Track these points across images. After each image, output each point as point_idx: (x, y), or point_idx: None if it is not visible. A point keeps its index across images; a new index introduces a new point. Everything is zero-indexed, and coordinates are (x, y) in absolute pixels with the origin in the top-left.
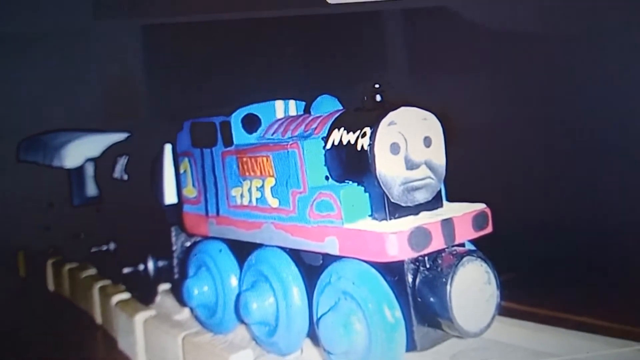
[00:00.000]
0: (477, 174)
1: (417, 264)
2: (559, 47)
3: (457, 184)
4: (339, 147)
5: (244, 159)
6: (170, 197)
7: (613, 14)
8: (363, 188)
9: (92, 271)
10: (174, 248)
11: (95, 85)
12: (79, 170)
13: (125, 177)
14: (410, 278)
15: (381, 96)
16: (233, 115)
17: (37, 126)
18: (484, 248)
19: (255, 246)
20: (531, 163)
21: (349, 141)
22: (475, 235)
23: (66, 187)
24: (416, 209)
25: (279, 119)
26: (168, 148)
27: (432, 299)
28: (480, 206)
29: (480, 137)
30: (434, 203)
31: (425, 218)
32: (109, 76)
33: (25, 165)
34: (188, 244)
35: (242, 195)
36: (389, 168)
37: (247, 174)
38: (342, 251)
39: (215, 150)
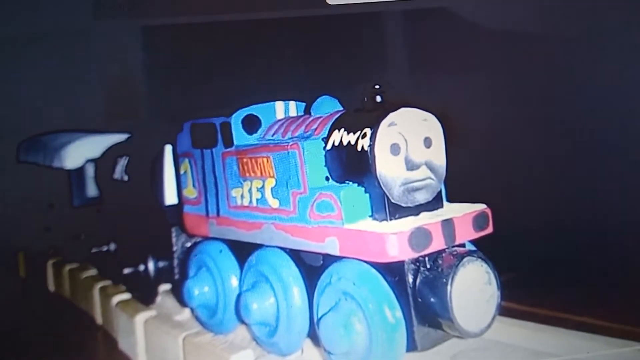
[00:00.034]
0: (478, 175)
1: (418, 264)
2: (559, 47)
3: (458, 185)
4: (339, 147)
5: (244, 160)
6: (170, 197)
7: (613, 13)
8: (363, 189)
9: (92, 272)
10: (175, 248)
11: (96, 85)
12: (79, 171)
13: (126, 177)
14: (410, 278)
15: (381, 97)
16: (233, 116)
17: (37, 127)
18: (484, 248)
19: (256, 247)
20: (531, 163)
21: (349, 142)
22: (476, 235)
23: (66, 187)
24: (416, 210)
25: (279, 120)
26: (168, 149)
27: (432, 300)
28: (481, 206)
29: (481, 137)
30: (435, 203)
31: (425, 218)
32: (109, 77)
33: (25, 166)
34: (188, 244)
35: (242, 196)
36: (389, 169)
37: (247, 174)
38: (343, 252)
39: (216, 151)
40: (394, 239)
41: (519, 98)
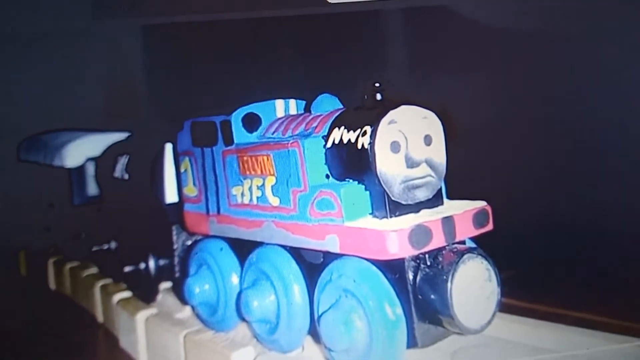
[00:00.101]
0: (478, 172)
1: (418, 261)
2: (559, 47)
3: (458, 182)
4: (340, 145)
5: (245, 158)
6: (171, 196)
7: (613, 13)
8: (364, 186)
9: (93, 270)
10: (175, 247)
11: (96, 84)
12: (80, 170)
13: (126, 176)
14: (411, 275)
15: (381, 95)
16: (233, 114)
17: (37, 126)
18: (484, 245)
19: (256, 244)
20: (531, 161)
21: (349, 140)
22: (476, 232)
23: (67, 186)
24: (417, 207)
25: (280, 118)
26: (169, 147)
27: (432, 296)
28: (481, 204)
29: (481, 135)
30: (435, 201)
31: (425, 216)
32: (109, 76)
33: (26, 165)
34: (189, 242)
35: (242, 194)
36: (389, 166)
37: (247, 172)
38: (343, 249)
39: (216, 149)
40: (394, 237)
41: (519, 96)
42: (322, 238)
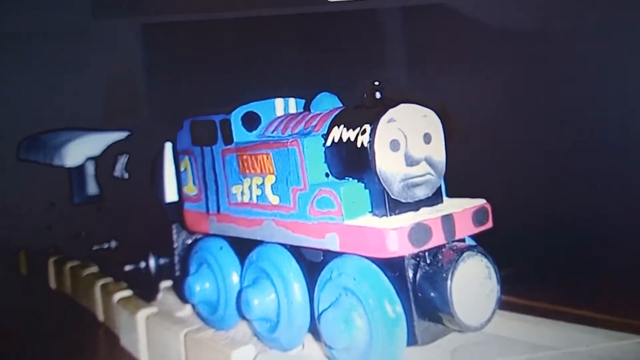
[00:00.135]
0: (477, 170)
1: (418, 259)
2: (558, 45)
3: (457, 180)
4: (339, 144)
5: (244, 157)
6: (171, 195)
7: (614, 12)
8: (363, 185)
9: (93, 269)
10: (175, 245)
11: (96, 84)
12: (80, 169)
13: (126, 175)
14: (410, 273)
15: (381, 93)
16: (233, 113)
17: (37, 125)
18: (484, 243)
19: (256, 243)
20: (531, 158)
21: (348, 138)
22: (476, 230)
23: (67, 185)
24: (416, 205)
25: (279, 117)
26: (168, 146)
27: (432, 294)
28: (481, 202)
29: (481, 133)
30: (434, 199)
31: (425, 214)
32: (109, 75)
33: (26, 164)
34: (189, 241)
35: (242, 193)
36: (388, 165)
37: (247, 171)
38: (343, 247)
39: (216, 148)
40: (394, 235)
41: (519, 94)
42: (322, 236)
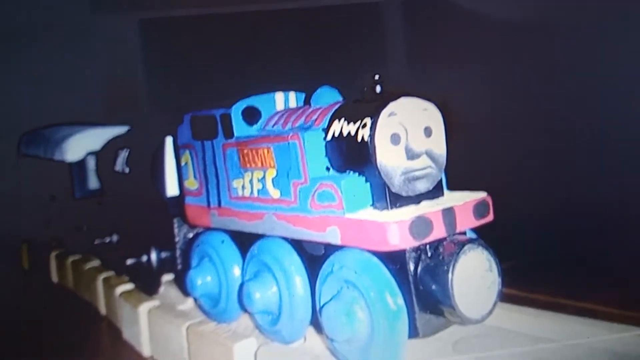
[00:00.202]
0: (478, 163)
1: (419, 252)
2: (559, 39)
3: (458, 173)
4: (340, 138)
5: (245, 151)
6: (172, 189)
7: (615, 8)
8: (364, 178)
9: (95, 263)
10: (177, 239)
11: (96, 79)
12: (81, 164)
13: (127, 170)
14: (412, 266)
15: (381, 87)
16: (233, 107)
17: (37, 120)
18: (485, 236)
19: (258, 237)
20: (532, 151)
21: (349, 132)
22: (477, 223)
23: (68, 179)
24: (417, 199)
25: (279, 111)
26: (169, 141)
27: (434, 287)
28: (482, 195)
29: (481, 126)
30: (435, 192)
31: (426, 207)
32: (109, 70)
33: (27, 159)
34: (190, 235)
35: (243, 187)
36: (389, 158)
37: (248, 165)
38: (344, 241)
39: (216, 142)
40: (395, 228)
41: (519, 87)
42: (323, 230)
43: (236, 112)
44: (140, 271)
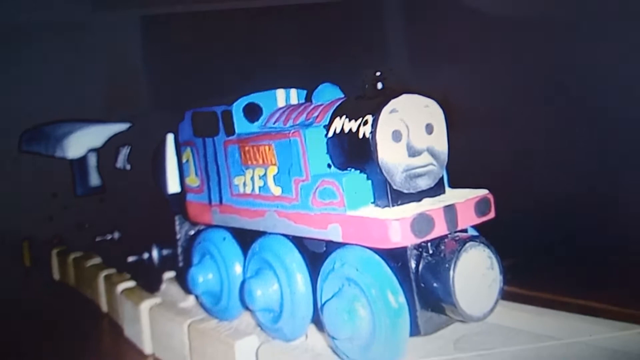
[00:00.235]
0: (480, 160)
1: (420, 250)
2: (559, 37)
3: (460, 170)
4: (341, 135)
5: (246, 148)
6: (173, 186)
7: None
8: (365, 175)
9: (97, 260)
10: (178, 237)
11: (97, 76)
12: (82, 161)
13: (128, 167)
14: (413, 264)
15: (382, 83)
16: (234, 104)
17: (38, 117)
18: (486, 233)
19: (259, 234)
20: (534, 148)
21: (350, 129)
22: (478, 221)
23: (69, 176)
24: (418, 196)
25: (281, 108)
26: (170, 138)
27: (435, 285)
28: (483, 192)
29: (483, 123)
30: (437, 189)
31: (427, 204)
32: (110, 67)
33: (28, 155)
34: (192, 232)
35: (244, 184)
36: (391, 155)
37: (249, 162)
38: (345, 238)
39: (218, 139)
40: (397, 225)
41: (522, 84)
42: (325, 227)
43: (237, 108)
44: (141, 268)
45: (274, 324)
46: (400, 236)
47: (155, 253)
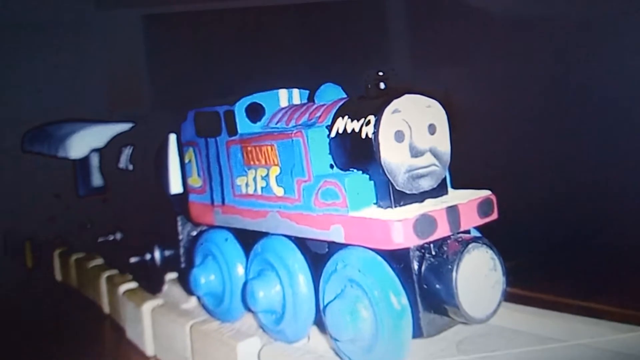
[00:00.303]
0: (482, 161)
1: (423, 251)
2: (563, 34)
3: (462, 171)
4: (344, 135)
5: (249, 148)
6: (175, 186)
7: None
8: (368, 176)
9: (99, 261)
10: (180, 237)
11: (100, 75)
12: (84, 161)
13: (131, 167)
14: (416, 265)
15: (385, 84)
16: (237, 104)
17: (40, 117)
18: (489, 235)
19: (261, 235)
20: (537, 149)
21: (353, 129)
22: (481, 222)
23: (72, 177)
24: (421, 197)
25: (283, 108)
26: (172, 138)
27: (438, 286)
28: (486, 193)
29: (486, 123)
30: (439, 190)
31: (430, 205)
32: (113, 67)
33: (31, 155)
34: (194, 233)
35: (247, 184)
36: (393, 156)
37: (251, 163)
38: (348, 239)
39: (220, 139)
40: (399, 226)
41: (524, 85)
42: (327, 228)
43: (240, 108)
44: (143, 269)
45: (276, 326)
46: (403, 237)
47: (157, 254)
